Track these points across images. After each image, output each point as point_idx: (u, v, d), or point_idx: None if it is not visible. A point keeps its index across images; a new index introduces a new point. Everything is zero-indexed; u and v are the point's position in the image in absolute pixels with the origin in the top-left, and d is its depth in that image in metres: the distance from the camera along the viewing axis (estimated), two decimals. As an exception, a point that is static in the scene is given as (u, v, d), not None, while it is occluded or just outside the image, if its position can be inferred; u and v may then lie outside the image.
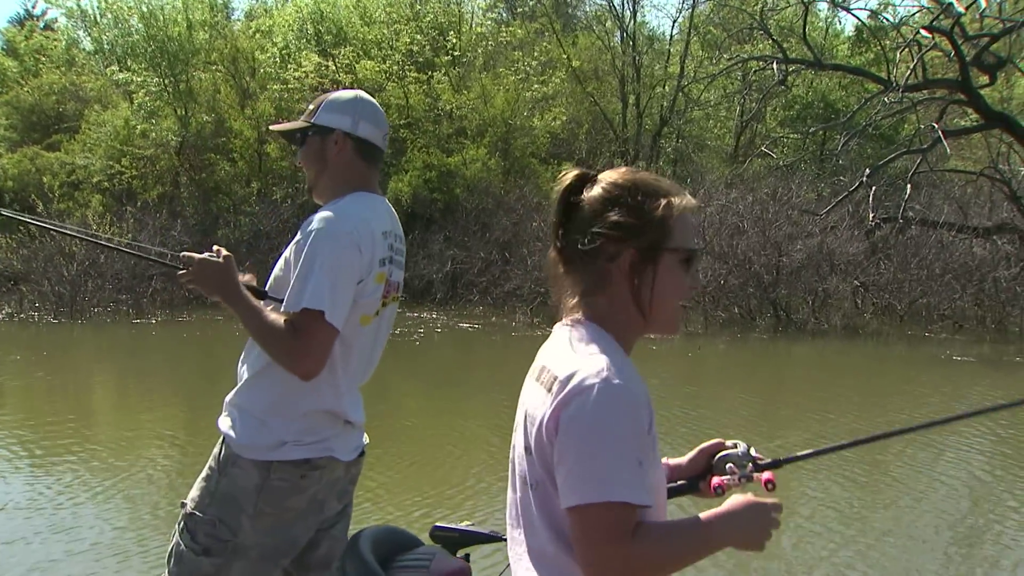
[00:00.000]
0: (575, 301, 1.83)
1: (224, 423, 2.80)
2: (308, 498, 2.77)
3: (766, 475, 1.93)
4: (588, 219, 1.79)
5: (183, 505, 2.80)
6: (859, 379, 12.70)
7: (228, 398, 2.86)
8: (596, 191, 1.81)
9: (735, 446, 2.00)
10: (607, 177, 1.84)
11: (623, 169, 1.87)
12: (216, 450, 2.81)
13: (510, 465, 1.85)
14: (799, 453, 2.07)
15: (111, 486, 7.08)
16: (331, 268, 2.66)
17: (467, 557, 2.88)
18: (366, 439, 3.03)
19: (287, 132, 3.03)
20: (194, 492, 2.79)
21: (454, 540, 2.90)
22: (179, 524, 2.78)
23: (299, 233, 2.78)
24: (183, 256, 2.80)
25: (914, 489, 7.23)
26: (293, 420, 2.74)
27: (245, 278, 2.93)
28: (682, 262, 1.81)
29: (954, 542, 6.04)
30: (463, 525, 2.95)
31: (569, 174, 1.85)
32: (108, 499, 6.78)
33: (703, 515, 1.70)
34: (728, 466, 1.95)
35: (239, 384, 2.85)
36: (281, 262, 2.84)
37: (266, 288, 2.87)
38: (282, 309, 2.69)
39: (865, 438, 2.16)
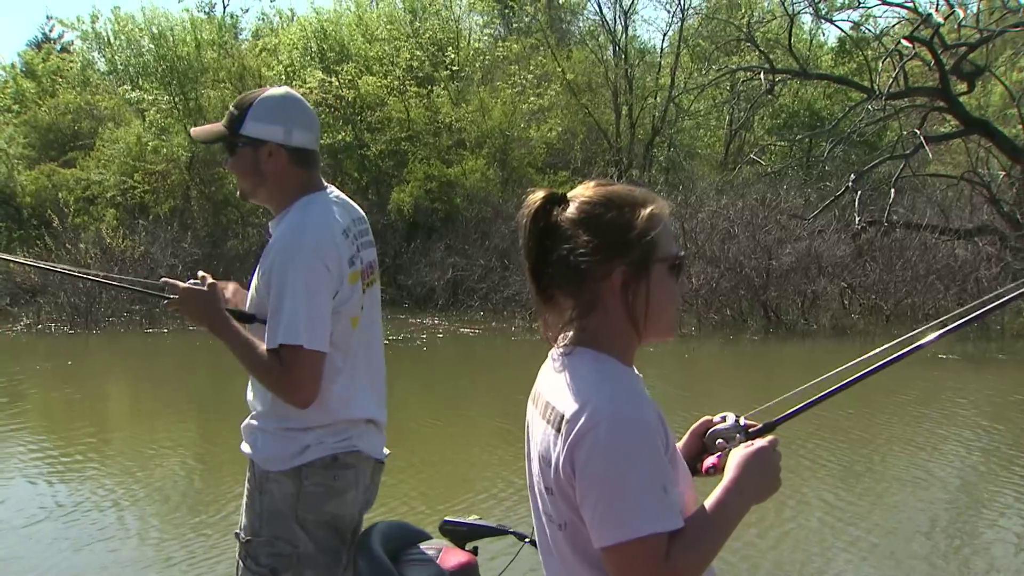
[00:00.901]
0: (566, 325, 1.72)
1: (246, 448, 2.73)
2: (352, 502, 2.68)
3: (708, 461, 1.84)
4: (567, 241, 1.66)
5: (238, 536, 2.71)
6: (852, 366, 12.40)
7: (244, 424, 2.78)
8: (572, 211, 1.69)
9: (723, 419, 1.91)
10: (580, 195, 1.71)
11: (592, 184, 1.74)
12: (247, 474, 2.74)
13: (531, 495, 1.77)
14: (789, 411, 1.94)
15: (129, 492, 7.10)
16: (301, 294, 2.54)
17: (475, 550, 2.87)
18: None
19: (215, 139, 2.81)
20: (243, 520, 2.71)
21: (462, 533, 2.88)
22: (240, 555, 2.70)
23: (264, 258, 2.67)
24: (167, 283, 2.71)
25: (904, 481, 7.17)
26: (310, 429, 2.64)
27: (229, 289, 2.86)
28: (671, 269, 1.71)
29: (943, 532, 5.95)
30: (471, 519, 2.94)
31: (535, 196, 1.72)
32: (129, 504, 6.77)
33: (714, 496, 1.64)
34: (718, 441, 1.87)
35: (252, 411, 2.76)
36: (252, 290, 2.73)
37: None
38: (265, 347, 2.57)
39: (846, 383, 1.97)
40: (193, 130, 3.03)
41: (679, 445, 1.91)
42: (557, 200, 1.71)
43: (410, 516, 5.35)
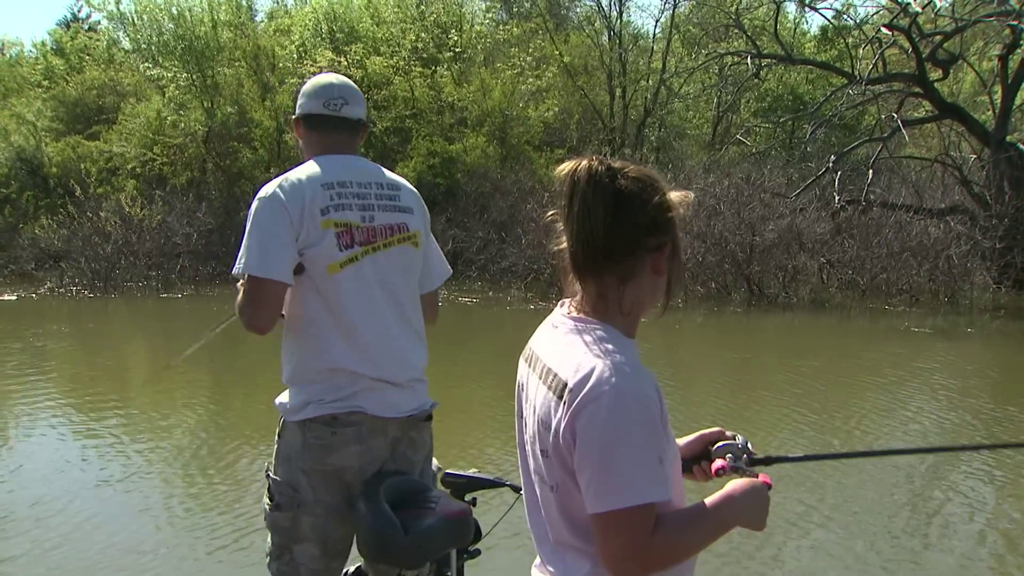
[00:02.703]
0: (594, 292, 1.65)
1: (277, 399, 2.82)
2: (354, 455, 2.68)
3: (717, 463, 1.86)
4: (639, 210, 1.61)
5: (267, 475, 2.82)
6: (825, 347, 12.42)
7: None
8: (634, 183, 1.62)
9: (734, 437, 1.92)
10: (631, 172, 1.64)
11: (619, 161, 1.66)
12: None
13: (519, 452, 1.76)
14: (790, 455, 2.02)
15: (154, 447, 7.10)
16: (256, 230, 2.64)
17: (474, 501, 3.01)
18: (432, 403, 2.93)
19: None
20: (271, 460, 2.82)
21: (462, 485, 3.03)
22: (265, 488, 2.82)
23: None
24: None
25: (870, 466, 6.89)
26: (312, 382, 2.70)
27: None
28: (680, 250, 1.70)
29: (904, 499, 5.67)
30: (470, 472, 3.05)
31: (584, 161, 1.62)
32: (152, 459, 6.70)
33: (709, 501, 1.63)
34: (728, 456, 1.87)
35: None
36: None
37: None
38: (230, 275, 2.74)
39: (856, 452, 2.00)
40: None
41: (682, 442, 1.91)
42: (609, 170, 1.62)
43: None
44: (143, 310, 16.10)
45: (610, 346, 1.58)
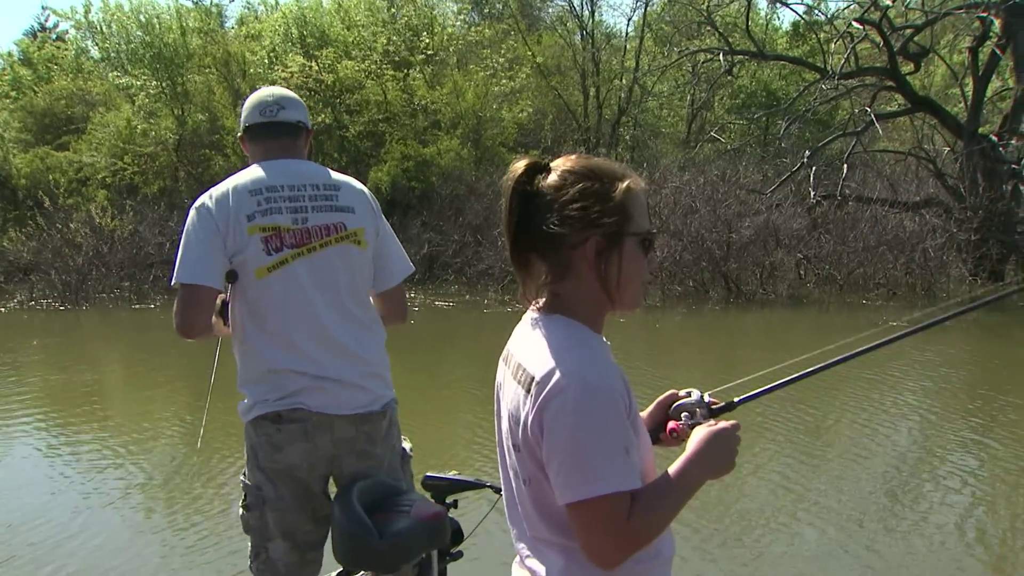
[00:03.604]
0: (541, 289, 1.70)
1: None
2: (301, 452, 2.75)
3: (670, 425, 1.87)
4: (547, 208, 1.63)
5: (241, 478, 2.92)
6: (805, 342, 12.31)
7: None
8: (553, 179, 1.65)
9: (688, 394, 1.92)
10: (562, 165, 1.67)
11: (575, 156, 1.70)
12: None
13: (498, 451, 1.77)
14: (750, 393, 1.99)
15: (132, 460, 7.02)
16: (186, 239, 2.75)
17: (455, 503, 2.99)
18: (391, 399, 2.96)
19: None
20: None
21: (443, 487, 3.00)
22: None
23: None
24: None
25: (854, 440, 6.99)
26: (257, 383, 2.79)
27: None
28: (641, 244, 1.68)
29: (889, 487, 5.75)
30: (451, 474, 3.03)
31: (520, 164, 1.68)
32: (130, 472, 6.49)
33: (674, 466, 1.63)
34: (683, 415, 1.87)
35: None
36: None
37: None
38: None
39: (811, 370, 2.11)
40: None
41: (644, 414, 1.91)
42: (540, 168, 1.68)
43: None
44: (116, 322, 15.94)
45: (575, 340, 1.61)
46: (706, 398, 1.91)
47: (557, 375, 1.54)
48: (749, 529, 5.31)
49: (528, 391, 1.58)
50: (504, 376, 1.74)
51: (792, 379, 2.06)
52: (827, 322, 14.18)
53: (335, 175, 2.97)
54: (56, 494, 6.16)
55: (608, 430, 1.52)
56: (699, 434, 1.69)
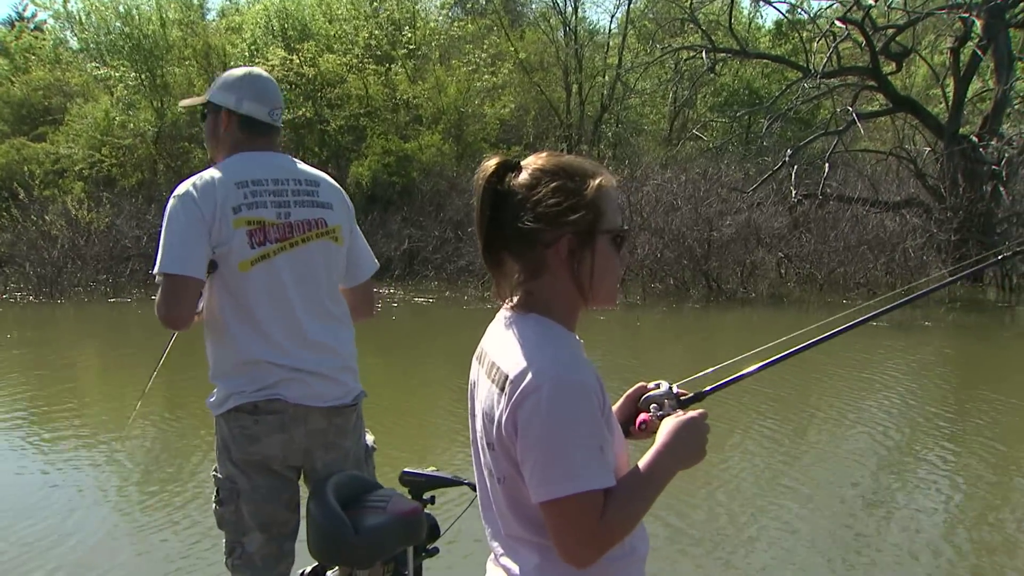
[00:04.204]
0: (514, 288, 1.69)
1: (208, 398, 2.90)
2: (277, 443, 2.77)
3: (640, 417, 1.87)
4: (519, 207, 1.62)
5: (213, 473, 2.92)
6: (785, 341, 12.35)
7: None
8: (524, 177, 1.64)
9: (657, 386, 1.92)
10: (533, 163, 1.67)
11: (545, 153, 1.69)
12: None
13: (472, 449, 1.77)
14: (718, 383, 2.00)
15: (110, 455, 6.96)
16: (169, 229, 2.71)
17: (432, 499, 3.02)
18: (360, 391, 2.98)
19: (196, 106, 3.05)
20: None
21: (420, 483, 3.00)
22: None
23: None
24: None
25: (834, 437, 7.05)
26: (232, 376, 2.79)
27: None
28: (614, 241, 1.67)
29: (869, 483, 5.76)
30: (428, 471, 3.02)
31: (491, 162, 1.67)
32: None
33: (644, 459, 1.63)
34: (652, 407, 1.87)
35: None
36: None
37: None
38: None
39: (776, 358, 2.15)
40: (182, 102, 3.31)
41: (615, 408, 1.90)
42: (511, 167, 1.67)
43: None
44: (92, 316, 15.81)
45: (549, 338, 1.62)
46: (675, 389, 1.91)
47: (531, 374, 1.54)
48: (732, 521, 5.33)
49: (502, 390, 1.58)
50: (478, 374, 1.73)
51: (759, 367, 2.08)
52: (807, 321, 14.11)
53: (312, 170, 3.01)
54: (48, 489, 6.11)
55: (582, 428, 1.52)
56: (668, 425, 1.69)
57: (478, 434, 1.72)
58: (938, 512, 5.60)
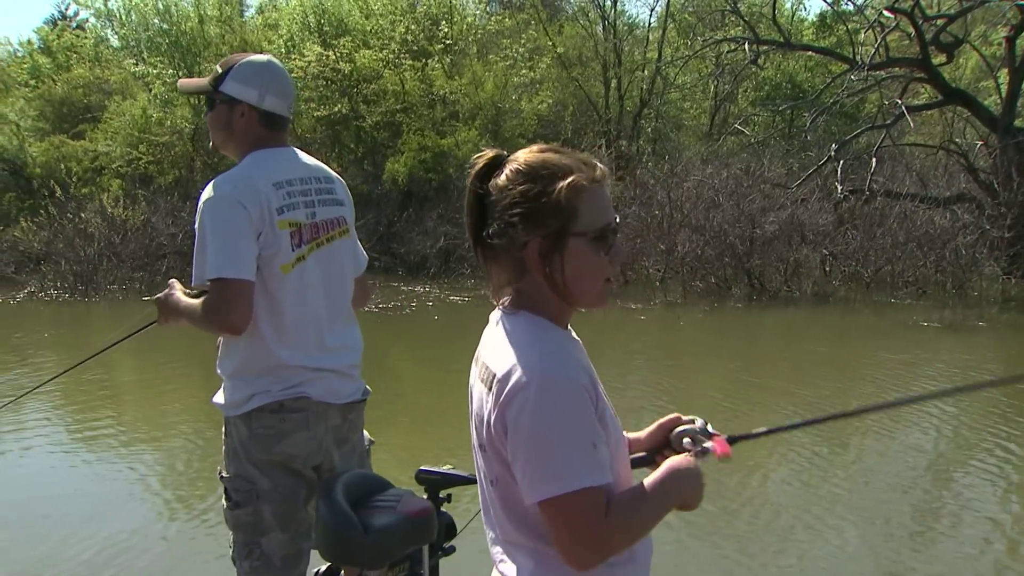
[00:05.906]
0: (504, 287, 1.69)
1: (215, 398, 2.87)
2: (302, 441, 2.77)
3: (720, 447, 1.84)
4: (492, 210, 1.63)
5: (219, 475, 2.87)
6: (829, 343, 12.23)
7: None
8: (501, 179, 1.63)
9: (692, 421, 1.92)
10: (515, 160, 1.65)
11: (534, 147, 1.67)
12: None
13: (473, 453, 1.75)
14: (753, 431, 1.99)
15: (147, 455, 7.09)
16: (220, 232, 2.63)
17: (448, 497, 2.96)
18: (367, 387, 3.01)
19: (198, 92, 2.97)
20: (221, 462, 2.87)
21: (436, 481, 2.93)
22: (222, 489, 2.86)
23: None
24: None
25: (881, 441, 7.00)
26: (258, 376, 2.76)
27: (177, 290, 2.95)
28: (593, 241, 1.61)
29: (919, 491, 5.64)
30: (445, 468, 2.96)
31: (481, 158, 1.67)
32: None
33: (650, 479, 1.62)
34: (685, 441, 1.86)
35: (219, 369, 2.89)
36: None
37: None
38: (192, 284, 2.73)
39: (816, 418, 2.17)
40: (180, 82, 3.15)
41: (644, 432, 1.93)
42: (496, 164, 1.66)
43: (395, 467, 4.99)
44: (125, 314, 15.88)
45: (536, 336, 1.61)
46: (709, 428, 1.91)
47: (518, 372, 1.53)
48: (772, 529, 5.18)
49: (491, 389, 1.58)
50: (474, 377, 1.73)
51: (795, 425, 2.12)
52: (853, 322, 13.95)
53: (322, 164, 3.01)
54: (78, 489, 6.15)
55: (572, 424, 1.51)
56: (678, 458, 1.70)
57: (473, 438, 1.73)
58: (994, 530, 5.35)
